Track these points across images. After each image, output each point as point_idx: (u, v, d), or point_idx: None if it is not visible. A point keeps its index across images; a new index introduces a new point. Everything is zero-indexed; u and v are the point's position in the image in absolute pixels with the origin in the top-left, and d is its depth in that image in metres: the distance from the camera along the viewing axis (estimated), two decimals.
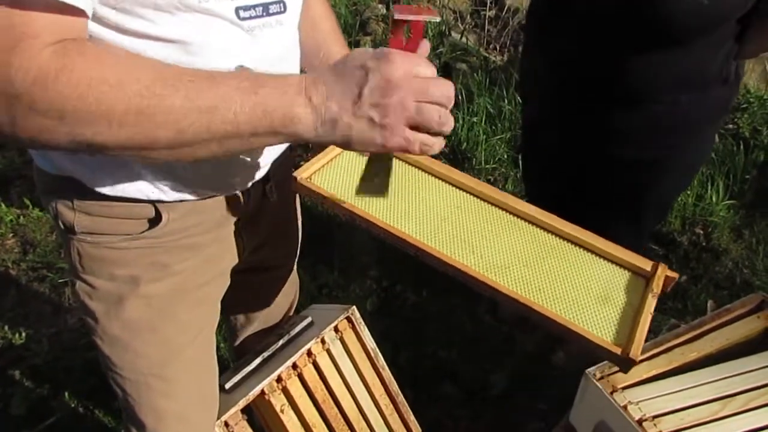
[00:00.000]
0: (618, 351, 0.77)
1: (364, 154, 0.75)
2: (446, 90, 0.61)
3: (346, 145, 0.63)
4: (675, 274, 0.86)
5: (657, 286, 0.85)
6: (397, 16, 0.64)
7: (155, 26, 0.62)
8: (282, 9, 0.74)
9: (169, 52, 0.64)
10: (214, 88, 0.56)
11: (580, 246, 0.91)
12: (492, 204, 0.95)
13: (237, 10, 0.68)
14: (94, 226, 0.78)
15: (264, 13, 0.71)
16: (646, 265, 0.87)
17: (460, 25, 3.33)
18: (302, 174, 0.92)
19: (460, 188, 0.97)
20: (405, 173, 0.98)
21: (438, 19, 0.67)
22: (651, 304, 0.82)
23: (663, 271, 0.86)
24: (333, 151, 0.96)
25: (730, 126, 2.66)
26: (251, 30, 0.70)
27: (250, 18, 0.70)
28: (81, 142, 0.55)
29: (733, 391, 1.00)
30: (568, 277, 0.86)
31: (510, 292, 0.81)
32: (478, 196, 0.96)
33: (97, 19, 0.60)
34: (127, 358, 0.87)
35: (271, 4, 0.72)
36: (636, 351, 0.76)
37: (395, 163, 0.98)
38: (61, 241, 2.11)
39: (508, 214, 0.94)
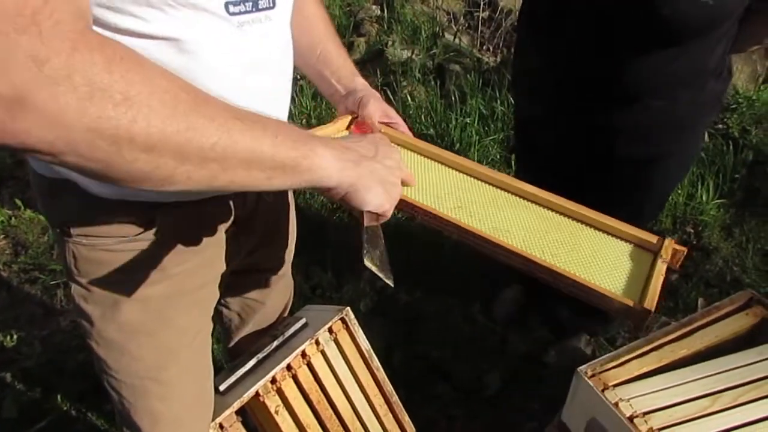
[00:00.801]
0: (631, 302, 0.75)
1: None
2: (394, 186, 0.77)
3: (353, 190, 0.71)
4: (683, 248, 0.85)
5: (666, 253, 0.84)
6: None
7: (148, 24, 0.62)
8: (271, 4, 0.74)
9: (163, 50, 0.65)
10: (260, 128, 0.59)
11: (587, 224, 0.90)
12: (493, 185, 0.95)
13: (226, 4, 0.68)
14: (89, 228, 0.78)
15: (253, 8, 0.71)
16: (652, 238, 0.86)
17: (453, 26, 3.34)
18: None
19: (461, 171, 0.97)
20: (407, 158, 0.98)
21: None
22: (662, 268, 0.81)
23: (670, 243, 0.85)
24: (335, 125, 0.96)
25: (720, 126, 2.69)
26: (241, 25, 0.71)
27: (240, 13, 0.70)
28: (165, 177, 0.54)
29: (722, 387, 1.01)
30: (573, 246, 0.85)
31: (523, 252, 0.80)
32: (480, 179, 0.96)
33: (94, 21, 0.60)
34: (123, 361, 0.87)
35: None
36: (651, 302, 0.74)
37: (408, 154, 0.99)
38: (54, 243, 2.11)
39: (511, 194, 0.94)
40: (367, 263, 0.72)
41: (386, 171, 0.74)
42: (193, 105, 0.53)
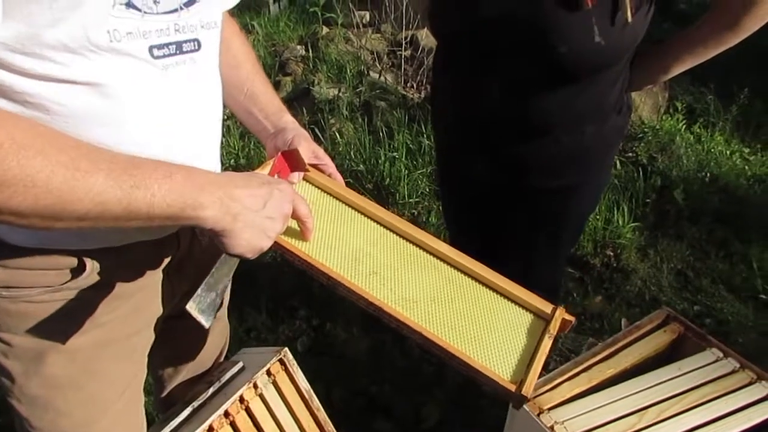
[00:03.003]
0: (512, 388, 0.82)
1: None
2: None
3: (222, 236, 0.71)
4: (572, 318, 0.93)
5: (554, 327, 0.91)
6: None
7: (67, 69, 0.61)
8: (196, 47, 0.75)
9: (83, 94, 0.64)
10: (131, 169, 0.61)
11: (489, 287, 0.96)
12: (408, 241, 0.98)
13: (151, 48, 0.68)
14: (11, 280, 0.75)
15: (177, 51, 0.72)
16: (546, 307, 0.93)
17: (377, 64, 3.43)
18: None
19: (379, 223, 0.99)
20: (327, 205, 0.99)
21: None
22: (547, 344, 0.88)
23: (560, 314, 0.92)
24: (264, 169, 0.97)
25: (630, 154, 2.87)
26: (165, 68, 0.70)
27: (164, 56, 0.70)
28: None
29: (647, 403, 1.06)
30: (473, 316, 0.90)
31: (415, 325, 0.85)
32: (395, 232, 0.99)
33: (7, 66, 0.58)
34: (47, 418, 0.83)
35: (185, 42, 0.73)
36: (528, 388, 0.81)
37: (316, 193, 1.00)
38: None
39: (423, 251, 0.98)
40: (189, 308, 0.74)
41: (264, 225, 0.74)
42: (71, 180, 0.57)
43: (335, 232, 0.95)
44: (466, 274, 0.96)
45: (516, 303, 0.95)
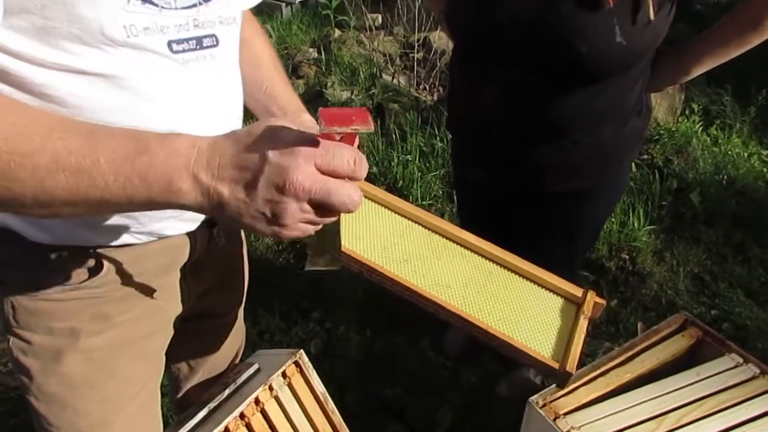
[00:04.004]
0: (556, 365, 0.81)
1: None
2: (349, 192, 0.56)
3: (234, 224, 0.58)
4: (603, 301, 0.92)
5: (588, 309, 0.90)
6: (323, 129, 0.55)
7: (84, 60, 0.61)
8: (215, 42, 0.75)
9: (100, 87, 0.64)
10: (86, 149, 0.53)
11: (518, 273, 0.96)
12: (434, 231, 0.98)
13: (170, 43, 0.68)
14: (30, 278, 0.75)
15: (197, 46, 0.72)
16: (577, 291, 0.93)
17: (390, 67, 3.43)
18: None
19: (403, 215, 0.99)
20: (363, 206, 0.99)
21: (370, 129, 0.56)
22: (583, 325, 0.88)
23: (592, 297, 0.92)
24: None
25: (645, 156, 2.85)
26: (185, 63, 0.71)
27: (184, 51, 0.70)
28: None
29: (666, 408, 1.05)
30: (506, 300, 0.90)
31: (454, 308, 0.85)
32: (420, 224, 0.99)
33: (7, 51, 0.58)
34: (65, 416, 0.83)
35: (205, 37, 0.73)
36: (572, 365, 0.81)
37: None
38: None
39: (449, 241, 0.98)
40: (309, 268, 0.67)
41: (270, 210, 0.55)
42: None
43: (361, 225, 0.94)
44: (493, 261, 0.96)
45: (546, 288, 0.95)
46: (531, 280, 0.95)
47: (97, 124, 0.57)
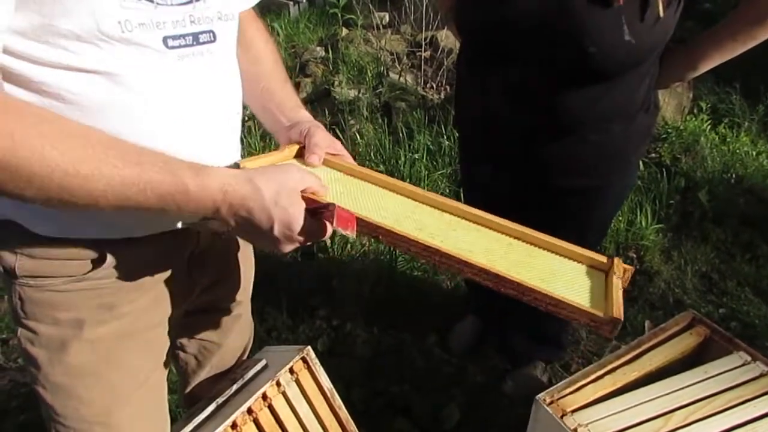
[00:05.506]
0: (600, 313, 0.77)
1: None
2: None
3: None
4: (630, 267, 0.88)
5: (618, 270, 0.86)
6: (336, 228, 0.76)
7: (80, 57, 0.62)
8: (212, 38, 0.75)
9: (97, 84, 0.65)
10: (135, 178, 0.63)
11: (540, 246, 0.91)
12: (444, 211, 0.94)
13: (165, 39, 0.68)
14: (36, 269, 0.77)
15: (194, 42, 0.72)
16: (602, 258, 0.89)
17: (397, 65, 3.43)
18: (247, 163, 0.85)
19: (412, 198, 0.95)
20: (355, 185, 0.95)
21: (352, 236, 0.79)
22: (617, 283, 0.83)
23: (619, 263, 0.88)
24: (281, 153, 0.93)
25: (653, 155, 2.84)
26: (181, 58, 0.71)
27: (180, 47, 0.70)
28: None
29: (673, 406, 1.04)
30: (533, 266, 0.86)
31: (481, 264, 0.79)
32: (430, 205, 0.95)
33: (8, 51, 0.59)
34: (70, 405, 0.84)
35: (201, 33, 0.73)
36: (618, 311, 0.77)
37: (341, 177, 0.96)
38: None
39: (461, 219, 0.93)
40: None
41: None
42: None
43: (371, 206, 0.90)
44: (512, 236, 0.92)
45: (570, 258, 0.90)
46: (552, 251, 0.91)
47: (142, 148, 0.64)
